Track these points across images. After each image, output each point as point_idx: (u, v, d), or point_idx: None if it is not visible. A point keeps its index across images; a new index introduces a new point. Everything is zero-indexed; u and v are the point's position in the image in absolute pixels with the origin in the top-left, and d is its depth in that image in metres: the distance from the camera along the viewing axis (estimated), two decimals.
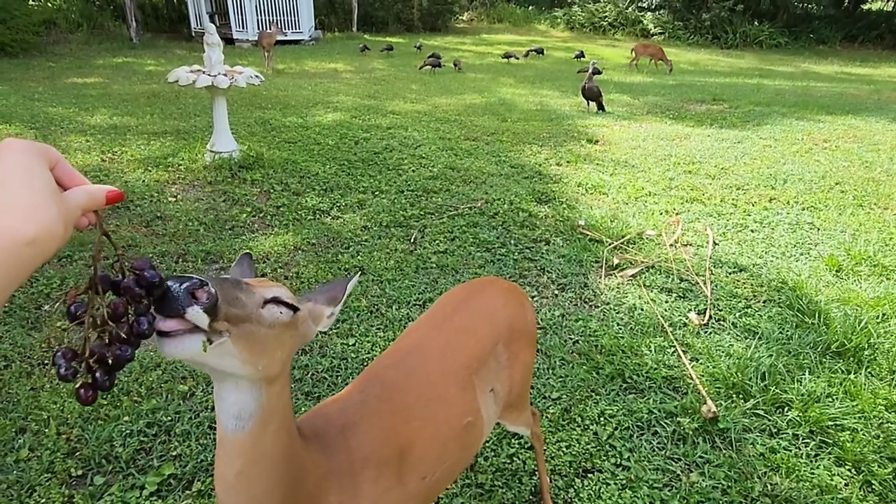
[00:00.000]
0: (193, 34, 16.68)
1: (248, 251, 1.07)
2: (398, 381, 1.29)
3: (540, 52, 16.16)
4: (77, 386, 0.61)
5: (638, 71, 14.28)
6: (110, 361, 0.61)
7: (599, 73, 8.93)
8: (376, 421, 1.18)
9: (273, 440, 0.90)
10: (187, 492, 2.01)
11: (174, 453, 2.17)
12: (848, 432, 2.35)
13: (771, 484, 2.12)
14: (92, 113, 7.20)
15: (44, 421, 2.28)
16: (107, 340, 0.62)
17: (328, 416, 1.16)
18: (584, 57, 15.32)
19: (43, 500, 1.95)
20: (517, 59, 15.02)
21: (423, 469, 1.23)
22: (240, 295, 0.78)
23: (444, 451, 1.30)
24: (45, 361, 2.64)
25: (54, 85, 9.23)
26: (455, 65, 12.95)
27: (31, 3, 15.07)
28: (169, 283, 0.68)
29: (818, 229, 4.45)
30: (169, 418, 2.33)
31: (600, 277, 3.62)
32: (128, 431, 2.25)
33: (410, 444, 1.21)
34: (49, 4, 16.13)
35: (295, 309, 0.86)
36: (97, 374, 0.61)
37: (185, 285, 0.68)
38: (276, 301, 0.83)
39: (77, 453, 2.15)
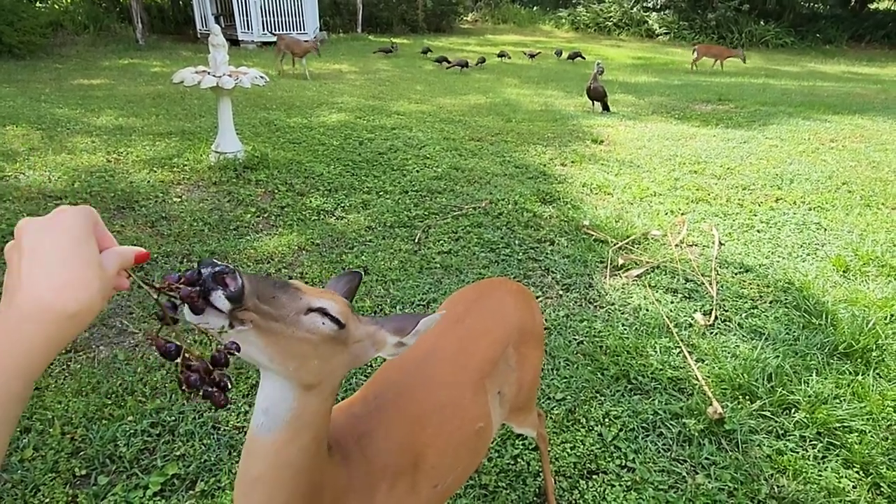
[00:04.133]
0: (199, 35, 16.74)
1: (360, 269, 1.07)
2: (413, 386, 1.27)
3: (559, 53, 16.15)
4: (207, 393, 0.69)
5: (698, 71, 14.36)
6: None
7: (602, 72, 8.91)
8: (392, 429, 1.16)
9: (301, 451, 0.88)
10: (190, 492, 2.01)
11: (178, 453, 2.16)
12: (856, 434, 2.33)
13: (778, 486, 2.10)
14: (98, 114, 7.24)
15: (48, 421, 2.28)
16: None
17: (345, 425, 1.14)
18: (580, 58, 15.36)
19: (47, 500, 1.96)
20: (509, 57, 15.19)
21: (435, 477, 1.21)
22: (279, 295, 0.79)
23: (457, 457, 1.28)
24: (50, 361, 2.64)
25: (61, 86, 9.27)
26: (447, 60, 13.40)
27: (38, 5, 15.17)
28: (201, 266, 0.72)
29: (825, 229, 4.41)
30: (173, 418, 2.33)
31: (605, 278, 3.60)
32: (132, 431, 2.25)
33: (425, 452, 1.19)
34: (56, 6, 16.22)
35: (341, 325, 0.85)
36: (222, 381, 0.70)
37: (214, 270, 0.71)
38: (322, 312, 0.83)
39: (81, 453, 2.15)
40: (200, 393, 0.68)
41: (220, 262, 0.73)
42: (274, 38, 16.45)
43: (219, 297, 0.71)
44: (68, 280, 0.51)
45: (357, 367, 1.01)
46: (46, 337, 0.49)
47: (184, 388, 0.67)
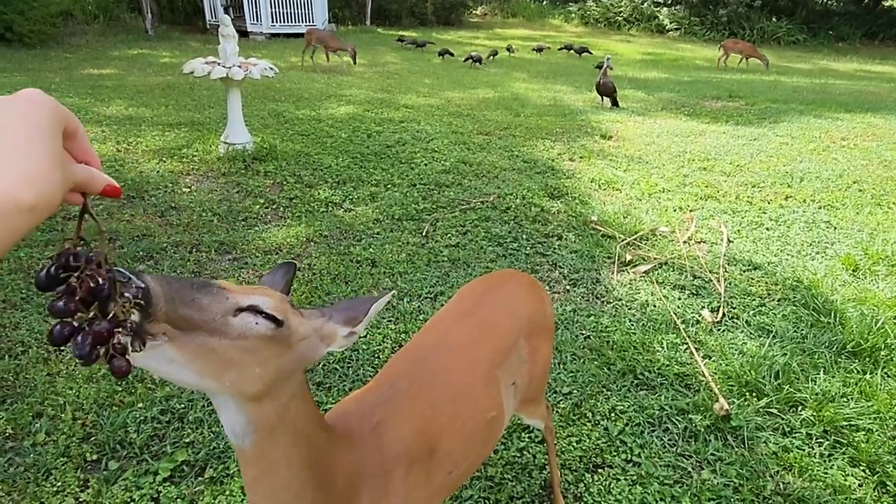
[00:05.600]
0: (208, 26, 16.77)
1: (292, 261, 1.00)
2: (426, 376, 1.29)
3: (570, 48, 16.03)
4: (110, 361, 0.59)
5: (726, 69, 14.24)
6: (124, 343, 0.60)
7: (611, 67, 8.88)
8: (407, 418, 1.17)
9: (286, 451, 0.86)
10: (200, 478, 2.03)
11: (187, 440, 2.19)
12: (863, 433, 2.33)
13: (783, 483, 2.10)
14: (108, 104, 7.27)
15: (60, 406, 2.31)
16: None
17: (359, 413, 1.15)
18: (587, 53, 15.25)
19: (59, 484, 1.98)
20: (513, 51, 15.25)
21: (449, 465, 1.23)
22: (199, 298, 0.69)
23: (469, 446, 1.30)
24: (62, 348, 2.67)
25: (71, 76, 9.31)
26: (443, 54, 13.57)
27: None
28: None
29: (835, 228, 4.39)
30: (182, 406, 2.35)
31: (612, 273, 3.60)
32: (142, 418, 2.27)
33: (438, 440, 1.21)
34: None
35: (278, 322, 0.76)
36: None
37: (109, 277, 0.60)
38: (254, 310, 0.73)
39: (92, 438, 2.18)
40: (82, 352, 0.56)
41: (121, 270, 0.61)
42: (281, 31, 16.56)
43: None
44: (28, 171, 0.46)
45: (308, 367, 0.93)
46: (1, 229, 0.45)
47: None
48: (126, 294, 0.60)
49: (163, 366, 0.68)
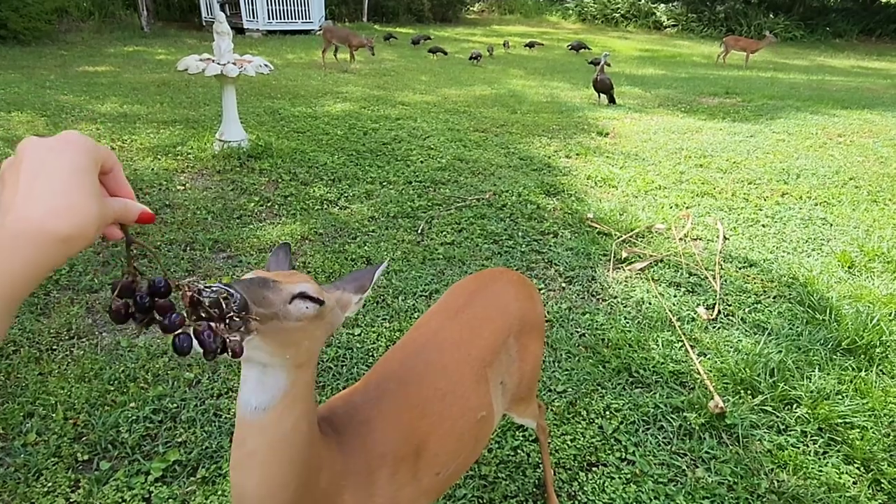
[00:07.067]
0: (204, 23, 16.68)
1: (286, 241, 1.11)
2: (415, 375, 1.27)
3: (573, 44, 15.97)
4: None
5: (724, 65, 14.14)
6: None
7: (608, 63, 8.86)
8: (394, 417, 1.17)
9: (294, 424, 0.90)
10: (192, 478, 2.02)
11: (179, 440, 2.18)
12: (857, 430, 2.32)
13: (778, 481, 2.10)
14: (102, 101, 7.23)
15: (51, 406, 2.29)
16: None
17: (345, 412, 1.15)
18: (585, 49, 15.18)
19: (50, 484, 1.97)
20: (510, 47, 15.27)
21: (437, 465, 1.22)
22: (267, 294, 0.81)
23: (459, 446, 1.29)
24: (54, 347, 2.66)
25: (66, 73, 9.26)
26: (436, 52, 13.54)
27: None
28: (204, 290, 0.72)
29: (831, 225, 4.38)
30: (175, 405, 2.34)
31: (608, 271, 3.59)
32: (134, 417, 2.26)
33: (426, 440, 1.19)
34: None
35: (321, 303, 0.88)
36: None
37: (213, 291, 0.72)
38: (303, 296, 0.86)
39: (84, 438, 2.17)
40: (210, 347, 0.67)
41: (213, 284, 0.73)
42: (278, 28, 16.50)
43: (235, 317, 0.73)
44: (65, 204, 0.50)
45: (332, 333, 1.03)
46: (35, 259, 0.47)
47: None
48: (232, 305, 0.74)
49: (248, 351, 0.79)
